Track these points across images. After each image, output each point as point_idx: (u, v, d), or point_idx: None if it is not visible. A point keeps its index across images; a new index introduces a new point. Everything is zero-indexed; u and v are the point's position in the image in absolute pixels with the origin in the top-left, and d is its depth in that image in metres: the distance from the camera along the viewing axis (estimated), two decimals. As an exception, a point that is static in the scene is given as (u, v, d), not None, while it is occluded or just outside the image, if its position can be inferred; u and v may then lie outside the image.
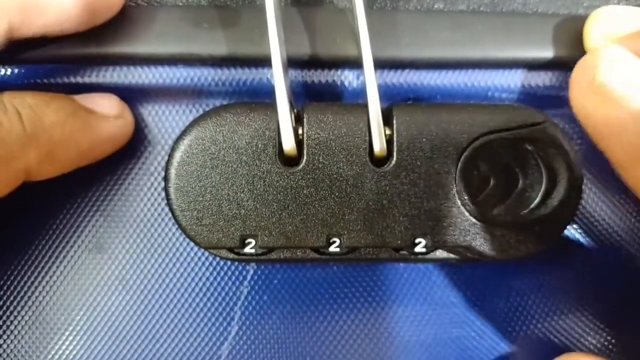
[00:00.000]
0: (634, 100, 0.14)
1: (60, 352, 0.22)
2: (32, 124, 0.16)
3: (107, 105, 0.20)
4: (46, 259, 0.22)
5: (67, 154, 0.18)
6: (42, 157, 0.16)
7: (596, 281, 0.23)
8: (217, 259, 0.22)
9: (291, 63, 0.21)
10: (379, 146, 0.18)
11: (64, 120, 0.18)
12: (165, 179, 0.18)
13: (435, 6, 0.22)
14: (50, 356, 0.22)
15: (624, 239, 0.23)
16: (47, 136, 0.16)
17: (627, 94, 0.14)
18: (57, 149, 0.17)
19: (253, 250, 0.19)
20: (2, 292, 0.22)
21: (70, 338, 0.22)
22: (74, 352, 0.22)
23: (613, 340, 0.23)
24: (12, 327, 0.22)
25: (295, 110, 0.19)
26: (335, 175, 0.18)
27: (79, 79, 0.21)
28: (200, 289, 0.22)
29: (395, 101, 0.21)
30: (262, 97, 0.21)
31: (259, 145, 0.18)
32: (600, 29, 0.19)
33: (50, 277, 0.22)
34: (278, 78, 0.18)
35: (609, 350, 0.23)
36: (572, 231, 0.21)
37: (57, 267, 0.22)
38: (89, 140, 0.19)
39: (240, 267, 0.22)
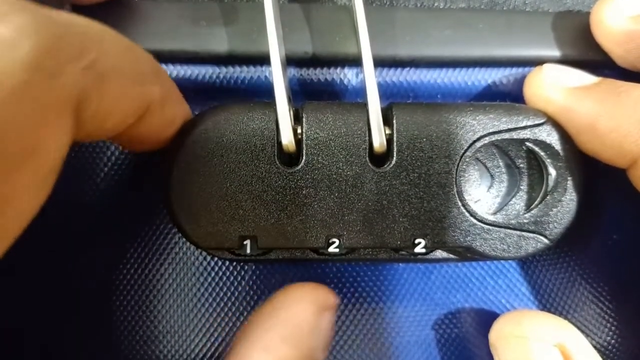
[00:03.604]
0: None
1: None
2: (157, 64, 0.17)
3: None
4: None
5: (173, 108, 0.18)
6: (162, 96, 0.17)
7: (598, 279, 0.23)
8: (215, 259, 0.22)
9: (290, 61, 0.20)
10: (379, 146, 0.18)
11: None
12: (163, 179, 0.18)
13: (436, 4, 0.22)
14: None
15: (627, 236, 0.23)
16: (166, 80, 0.17)
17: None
18: (170, 98, 0.17)
19: (252, 251, 0.18)
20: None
21: None
22: None
23: (618, 339, 0.23)
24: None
25: (294, 109, 0.19)
26: (334, 176, 0.18)
27: None
28: (198, 289, 0.22)
29: (395, 100, 0.21)
30: (261, 96, 0.21)
31: (258, 145, 0.18)
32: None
33: None
34: (277, 76, 0.18)
35: (614, 348, 0.23)
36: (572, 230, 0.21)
37: None
38: (184, 111, 0.19)
39: (238, 267, 0.22)
